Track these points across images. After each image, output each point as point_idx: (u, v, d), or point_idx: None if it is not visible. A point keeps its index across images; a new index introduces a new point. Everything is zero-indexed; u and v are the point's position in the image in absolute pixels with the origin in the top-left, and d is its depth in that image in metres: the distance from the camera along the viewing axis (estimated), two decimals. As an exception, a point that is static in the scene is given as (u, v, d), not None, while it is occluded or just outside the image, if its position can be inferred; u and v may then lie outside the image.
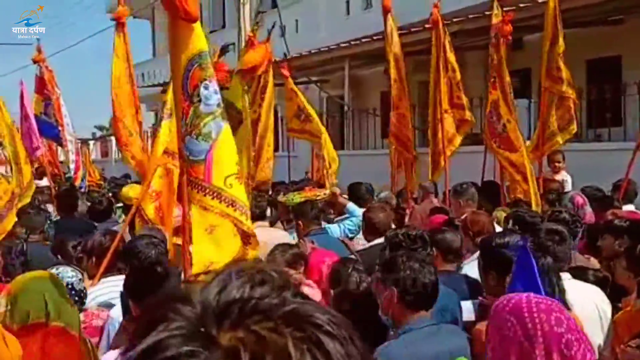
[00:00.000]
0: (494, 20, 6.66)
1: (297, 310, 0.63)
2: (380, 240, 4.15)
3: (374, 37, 11.85)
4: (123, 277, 3.26)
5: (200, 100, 2.81)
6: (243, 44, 11.51)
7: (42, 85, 8.38)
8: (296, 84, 9.58)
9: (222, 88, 3.35)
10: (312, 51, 13.35)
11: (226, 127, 2.88)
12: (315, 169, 8.41)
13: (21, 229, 4.95)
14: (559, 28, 6.07)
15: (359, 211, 5.34)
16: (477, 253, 3.67)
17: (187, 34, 2.81)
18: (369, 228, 4.53)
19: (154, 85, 21.62)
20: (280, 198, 5.68)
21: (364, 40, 12.43)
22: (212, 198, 2.83)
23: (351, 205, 5.63)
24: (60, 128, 8.37)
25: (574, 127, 6.35)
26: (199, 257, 2.83)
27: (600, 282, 3.32)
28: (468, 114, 7.05)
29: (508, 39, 6.18)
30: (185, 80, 2.84)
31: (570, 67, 6.37)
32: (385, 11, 6.93)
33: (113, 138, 24.78)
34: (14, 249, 4.08)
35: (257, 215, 4.89)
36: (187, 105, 2.84)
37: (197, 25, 2.85)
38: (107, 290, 3.56)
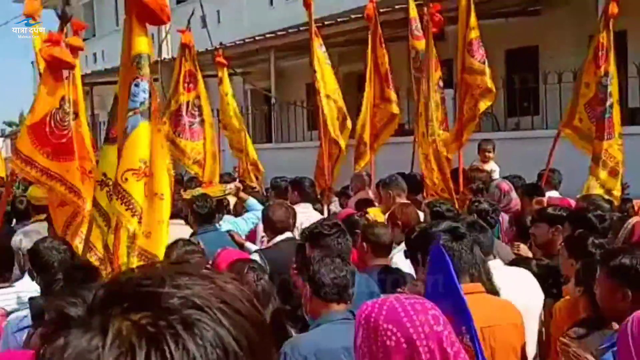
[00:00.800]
0: (412, 14, 6.76)
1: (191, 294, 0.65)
2: (282, 237, 4.34)
3: (300, 28, 11.73)
4: (9, 288, 3.41)
5: (129, 97, 2.91)
6: (163, 34, 11.16)
7: None
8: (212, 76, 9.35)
9: None
10: (237, 42, 13.07)
11: (143, 124, 2.91)
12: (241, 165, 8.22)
13: None
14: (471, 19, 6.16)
15: (259, 206, 5.48)
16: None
17: (138, 35, 2.96)
18: (269, 225, 4.54)
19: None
20: (184, 194, 5.57)
21: (290, 30, 12.27)
22: (112, 194, 2.94)
23: (251, 200, 5.76)
24: None
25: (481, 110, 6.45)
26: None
27: (543, 271, 3.36)
28: (395, 108, 7.04)
29: (437, 30, 6.21)
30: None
31: (490, 57, 6.48)
32: (307, 4, 6.82)
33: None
34: None
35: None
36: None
37: (146, 30, 3.00)
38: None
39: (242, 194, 5.87)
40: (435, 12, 6.15)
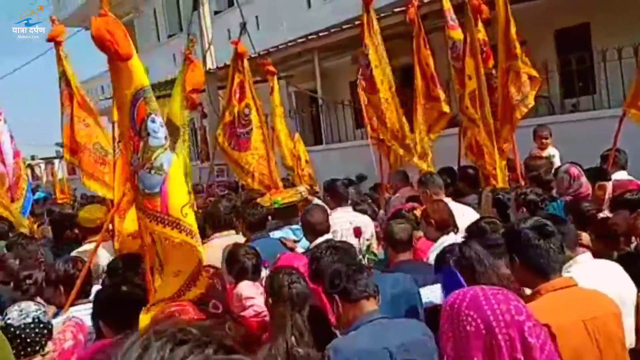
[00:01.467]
0: (445, 6, 6.57)
1: None
2: (321, 239, 4.29)
3: (343, 27, 11.63)
4: (89, 304, 3.39)
5: (148, 134, 2.83)
6: (207, 45, 11.25)
7: None
8: (262, 81, 9.34)
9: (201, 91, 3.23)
10: (280, 46, 13.05)
11: (175, 158, 2.92)
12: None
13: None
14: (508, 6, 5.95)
15: None
16: (441, 240, 4.00)
17: (127, 71, 2.85)
18: (310, 229, 4.51)
19: (107, 99, 21.15)
20: (262, 201, 5.49)
21: (332, 30, 12.18)
22: (172, 228, 2.84)
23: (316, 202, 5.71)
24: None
25: (530, 101, 6.17)
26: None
27: (625, 259, 3.15)
28: (445, 107, 6.89)
29: (484, 17, 6.00)
30: (132, 116, 2.87)
31: (539, 38, 6.26)
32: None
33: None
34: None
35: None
36: (137, 140, 2.87)
37: (135, 62, 2.89)
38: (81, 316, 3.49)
39: (309, 196, 5.86)
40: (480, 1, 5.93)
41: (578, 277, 2.57)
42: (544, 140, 7.04)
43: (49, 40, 5.23)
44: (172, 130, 3.33)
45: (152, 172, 2.85)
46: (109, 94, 23.56)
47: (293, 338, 2.83)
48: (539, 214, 3.63)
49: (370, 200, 6.94)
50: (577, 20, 10.41)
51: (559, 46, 10.70)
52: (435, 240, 4.14)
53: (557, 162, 6.75)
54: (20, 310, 3.15)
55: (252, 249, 3.94)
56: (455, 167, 6.67)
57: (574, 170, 5.08)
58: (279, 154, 7.24)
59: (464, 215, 4.58)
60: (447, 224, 4.16)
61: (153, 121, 2.85)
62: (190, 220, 2.90)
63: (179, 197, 2.88)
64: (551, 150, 7.04)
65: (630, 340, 2.77)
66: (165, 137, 2.91)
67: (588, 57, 9.89)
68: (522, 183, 5.74)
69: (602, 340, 2.38)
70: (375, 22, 6.64)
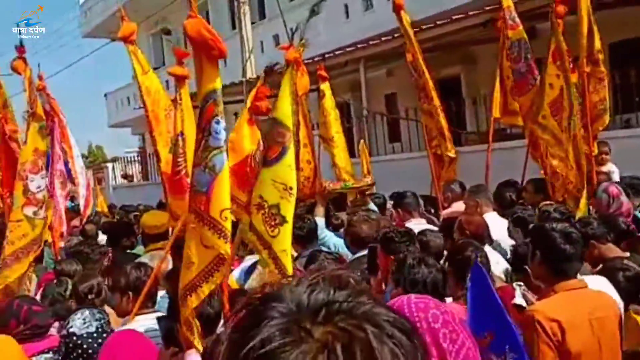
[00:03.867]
0: (505, 4, 6.28)
1: (373, 311, 0.76)
2: (364, 252, 4.23)
3: (382, 38, 11.44)
4: (157, 313, 3.35)
5: (210, 134, 2.93)
6: (247, 55, 11.13)
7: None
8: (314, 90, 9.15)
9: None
10: (316, 58, 12.89)
11: (226, 162, 3.01)
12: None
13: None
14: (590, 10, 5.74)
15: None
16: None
17: (210, 70, 2.96)
18: (355, 241, 4.45)
19: (140, 108, 21.14)
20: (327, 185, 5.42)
21: (372, 42, 11.99)
22: (209, 229, 2.92)
23: (372, 207, 5.54)
24: (69, 160, 7.59)
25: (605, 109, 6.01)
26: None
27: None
28: (520, 120, 6.55)
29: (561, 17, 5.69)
30: (202, 112, 2.98)
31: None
32: (398, 9, 6.50)
33: (109, 165, 24.36)
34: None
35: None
36: (200, 137, 2.98)
37: (217, 65, 3.01)
38: (147, 326, 3.33)
39: (366, 198, 5.67)
40: (558, 2, 5.60)
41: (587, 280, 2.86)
42: (603, 156, 6.77)
43: (121, 39, 5.05)
44: (284, 131, 3.28)
45: (206, 170, 2.93)
46: (135, 105, 23.71)
47: None
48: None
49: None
50: (631, 34, 10.15)
51: (612, 59, 10.42)
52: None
53: (615, 178, 6.51)
54: (84, 319, 3.11)
55: (331, 253, 3.84)
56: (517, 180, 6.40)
57: (613, 190, 4.90)
58: (332, 165, 6.98)
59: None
60: (482, 237, 4.09)
61: (217, 122, 2.93)
62: (229, 225, 2.96)
63: (222, 200, 2.94)
64: (610, 167, 6.81)
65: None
66: (225, 141, 2.99)
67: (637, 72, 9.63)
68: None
69: (604, 338, 2.65)
70: (411, 33, 6.52)
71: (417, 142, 12.00)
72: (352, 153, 14.08)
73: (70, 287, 3.84)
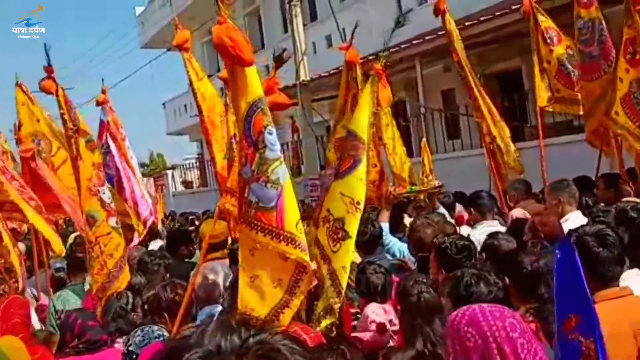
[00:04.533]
0: None
1: (283, 340, 0.88)
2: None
3: (438, 33, 11.16)
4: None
5: (265, 147, 2.79)
6: (300, 57, 11.07)
7: (102, 131, 7.80)
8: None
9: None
10: (370, 57, 12.72)
11: (288, 173, 2.91)
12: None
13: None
14: None
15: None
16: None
17: (245, 79, 2.82)
18: (418, 247, 4.20)
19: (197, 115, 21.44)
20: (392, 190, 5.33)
21: (427, 38, 11.72)
22: (287, 244, 2.80)
23: (442, 210, 5.36)
24: (132, 172, 7.72)
25: None
26: (241, 300, 2.87)
27: None
28: (578, 109, 6.19)
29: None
30: (248, 126, 2.84)
31: None
32: (439, 13, 6.28)
33: (169, 172, 24.89)
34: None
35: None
36: (251, 151, 2.83)
37: (252, 71, 2.85)
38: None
39: (434, 201, 5.55)
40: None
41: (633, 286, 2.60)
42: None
43: (175, 47, 5.06)
44: (358, 144, 3.14)
45: (269, 185, 2.79)
46: (192, 112, 24.14)
47: (426, 351, 2.73)
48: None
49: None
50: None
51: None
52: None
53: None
54: (143, 336, 3.05)
55: (381, 266, 3.66)
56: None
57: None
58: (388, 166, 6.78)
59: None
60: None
61: (270, 133, 2.80)
62: (303, 237, 2.86)
63: (293, 213, 2.83)
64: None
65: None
66: (281, 150, 2.86)
67: None
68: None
69: None
70: (456, 33, 6.28)
71: (478, 139, 11.67)
72: (410, 152, 13.91)
73: (130, 300, 3.83)
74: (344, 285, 3.00)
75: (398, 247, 4.80)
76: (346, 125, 3.31)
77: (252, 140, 2.83)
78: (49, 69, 5.25)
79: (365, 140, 3.13)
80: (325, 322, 2.99)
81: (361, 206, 3.04)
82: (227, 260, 4.57)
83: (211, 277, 3.70)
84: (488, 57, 12.43)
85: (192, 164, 24.68)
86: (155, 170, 33.66)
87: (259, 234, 2.81)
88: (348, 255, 3.02)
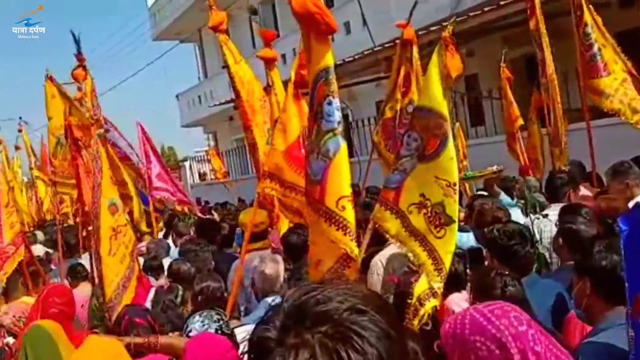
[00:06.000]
0: None
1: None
2: None
3: (457, 19, 10.93)
4: (246, 326, 3.20)
5: (322, 117, 2.75)
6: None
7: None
8: (385, 77, 8.83)
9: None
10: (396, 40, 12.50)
11: (344, 146, 2.80)
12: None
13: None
14: None
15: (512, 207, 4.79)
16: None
17: (319, 47, 2.77)
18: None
19: (215, 105, 21.32)
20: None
21: (444, 24, 11.44)
22: (325, 220, 2.73)
23: (504, 198, 5.17)
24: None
25: None
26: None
27: None
28: (608, 103, 5.73)
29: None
30: (313, 95, 2.81)
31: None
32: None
33: (186, 163, 24.78)
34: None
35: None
36: (312, 122, 2.82)
37: (327, 40, 2.80)
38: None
39: (494, 188, 5.27)
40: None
41: None
42: None
43: (211, 28, 4.90)
44: (441, 121, 2.89)
45: (319, 157, 2.75)
46: (207, 104, 23.99)
47: None
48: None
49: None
50: None
51: None
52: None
53: None
54: (202, 321, 2.98)
55: (459, 252, 3.45)
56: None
57: None
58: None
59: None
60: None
61: (330, 103, 2.74)
62: (348, 215, 2.74)
63: (339, 188, 2.73)
64: None
65: None
66: (339, 122, 2.77)
67: None
68: None
69: None
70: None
71: (502, 125, 11.44)
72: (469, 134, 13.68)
73: (181, 293, 3.68)
74: (448, 267, 2.81)
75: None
76: (418, 103, 3.10)
77: (313, 111, 2.79)
78: (80, 57, 5.23)
79: (446, 115, 2.91)
80: (430, 304, 2.82)
81: (457, 188, 2.86)
82: (268, 251, 4.42)
83: (271, 268, 3.53)
84: (515, 40, 12.16)
85: (202, 156, 24.61)
86: (167, 162, 33.62)
87: (311, 209, 2.77)
88: (453, 240, 2.85)
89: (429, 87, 2.96)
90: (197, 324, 2.92)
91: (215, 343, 2.68)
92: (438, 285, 2.78)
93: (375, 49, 11.27)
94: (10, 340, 3.71)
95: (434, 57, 3.03)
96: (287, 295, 0.91)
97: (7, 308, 4.50)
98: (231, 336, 2.93)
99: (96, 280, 4.09)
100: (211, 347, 2.69)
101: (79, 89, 8.06)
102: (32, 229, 10.19)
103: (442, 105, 2.91)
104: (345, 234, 2.75)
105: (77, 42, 5.15)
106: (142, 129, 8.22)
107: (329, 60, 2.81)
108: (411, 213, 2.85)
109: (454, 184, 2.82)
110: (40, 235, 8.59)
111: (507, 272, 2.80)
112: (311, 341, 0.83)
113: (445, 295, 3.17)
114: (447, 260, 2.81)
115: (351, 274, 2.80)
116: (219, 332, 2.92)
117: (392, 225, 2.90)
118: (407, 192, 2.88)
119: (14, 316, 3.93)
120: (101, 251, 4.09)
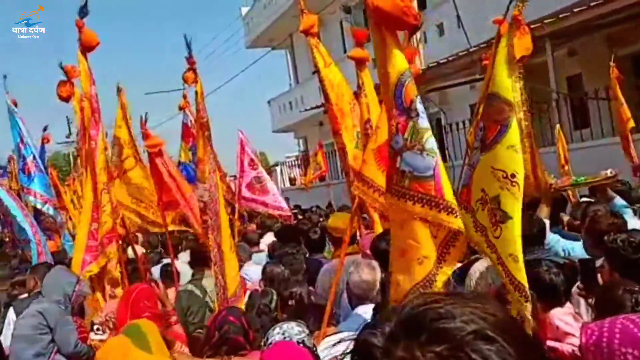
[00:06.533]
0: None
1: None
2: None
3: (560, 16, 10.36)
4: (341, 334, 3.08)
5: (418, 115, 2.68)
6: (415, 44, 10.61)
7: (187, 133, 8.35)
8: (479, 80, 8.51)
9: None
10: (490, 41, 12.07)
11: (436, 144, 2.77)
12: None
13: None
14: None
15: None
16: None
17: (395, 47, 2.71)
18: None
19: (306, 110, 21.48)
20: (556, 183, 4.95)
21: (547, 21, 10.90)
22: (448, 213, 2.63)
23: (619, 201, 4.76)
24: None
25: None
26: (393, 277, 2.74)
27: None
28: None
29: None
30: (399, 94, 2.72)
31: None
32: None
33: (277, 169, 25.17)
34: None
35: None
36: (403, 120, 2.71)
37: (398, 41, 2.75)
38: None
39: (607, 192, 4.94)
40: None
41: None
42: None
43: (302, 32, 4.85)
44: (503, 106, 2.69)
45: (424, 154, 2.66)
46: (297, 109, 24.33)
47: None
48: None
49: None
50: None
51: None
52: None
53: None
54: (283, 333, 2.88)
55: (553, 263, 3.18)
56: None
57: None
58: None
59: None
60: None
61: (420, 102, 2.70)
62: (481, 217, 2.70)
63: (448, 183, 2.69)
64: None
65: None
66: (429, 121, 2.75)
67: None
68: None
69: None
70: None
71: (609, 128, 10.72)
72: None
73: (275, 298, 3.63)
74: (523, 278, 2.53)
75: (562, 244, 4.28)
76: (489, 90, 2.87)
77: (403, 108, 2.69)
78: (190, 60, 5.33)
79: (511, 100, 2.67)
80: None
81: (518, 180, 2.56)
82: (359, 256, 4.30)
83: (368, 274, 3.40)
84: (620, 38, 11.41)
85: (292, 162, 24.81)
86: (259, 168, 34.27)
87: (416, 204, 2.65)
88: (515, 241, 2.55)
89: (496, 71, 2.76)
90: (277, 336, 2.84)
91: (293, 354, 2.58)
92: (526, 309, 2.52)
93: (471, 49, 10.85)
94: (96, 338, 3.80)
95: (503, 40, 2.82)
96: (406, 300, 0.81)
97: (106, 306, 4.64)
98: (312, 350, 2.81)
99: (219, 277, 4.12)
100: (288, 358, 2.60)
101: (184, 96, 8.39)
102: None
103: (507, 90, 2.68)
104: (457, 217, 2.64)
105: (188, 45, 5.27)
106: (242, 136, 8.39)
107: (404, 63, 2.72)
108: (477, 211, 2.71)
109: (512, 175, 2.55)
110: (140, 236, 8.92)
111: (637, 288, 2.51)
112: (425, 357, 0.72)
113: (542, 307, 2.93)
114: (511, 265, 2.54)
115: (458, 251, 2.69)
116: (300, 344, 2.83)
117: (469, 225, 2.74)
118: (474, 188, 2.76)
119: (105, 315, 4.03)
120: (223, 247, 4.18)
